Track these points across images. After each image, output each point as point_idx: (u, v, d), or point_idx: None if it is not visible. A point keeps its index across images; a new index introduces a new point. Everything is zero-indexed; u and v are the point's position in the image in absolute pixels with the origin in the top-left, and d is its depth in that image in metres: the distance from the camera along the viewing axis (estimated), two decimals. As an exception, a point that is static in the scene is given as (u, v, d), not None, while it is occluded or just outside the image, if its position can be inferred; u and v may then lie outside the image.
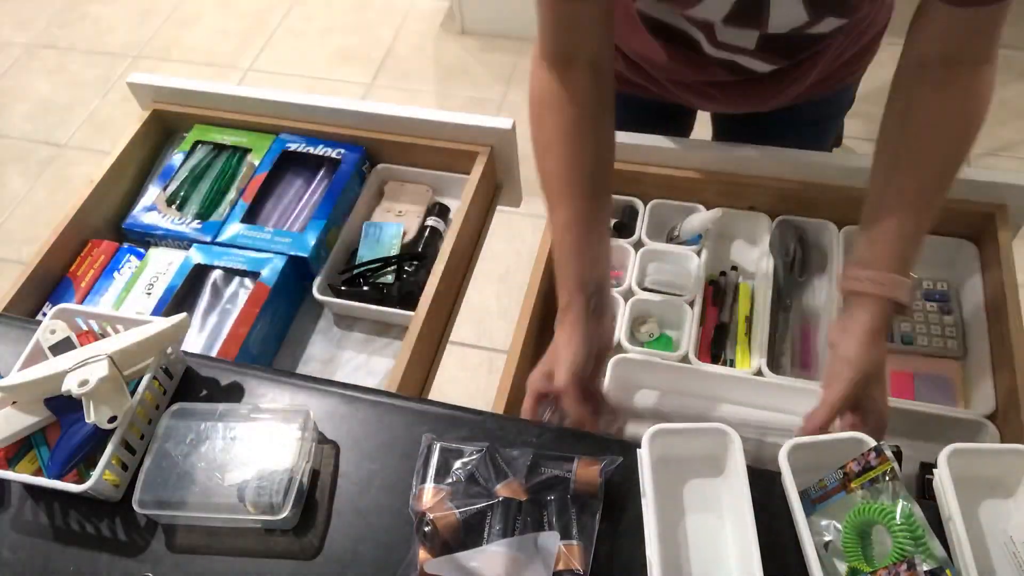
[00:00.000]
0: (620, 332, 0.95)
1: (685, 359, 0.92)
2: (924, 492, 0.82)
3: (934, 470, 0.67)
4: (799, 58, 0.85)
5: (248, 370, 0.79)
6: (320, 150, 1.10)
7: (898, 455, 0.80)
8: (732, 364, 0.95)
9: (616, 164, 1.05)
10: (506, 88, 2.42)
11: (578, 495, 0.66)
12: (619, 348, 0.94)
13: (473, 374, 1.86)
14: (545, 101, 0.74)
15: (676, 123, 1.12)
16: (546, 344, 0.95)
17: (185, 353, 0.79)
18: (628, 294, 0.99)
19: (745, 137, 1.03)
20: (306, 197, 1.10)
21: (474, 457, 0.67)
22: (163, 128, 1.18)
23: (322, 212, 1.03)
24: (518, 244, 1.74)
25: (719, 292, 1.02)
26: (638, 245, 1.03)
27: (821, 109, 1.02)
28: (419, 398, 0.90)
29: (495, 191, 1.15)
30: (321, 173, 1.12)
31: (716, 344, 0.97)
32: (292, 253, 0.99)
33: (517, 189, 1.17)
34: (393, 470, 0.70)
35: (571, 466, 0.66)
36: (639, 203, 1.07)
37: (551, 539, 0.62)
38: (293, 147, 1.11)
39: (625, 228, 1.06)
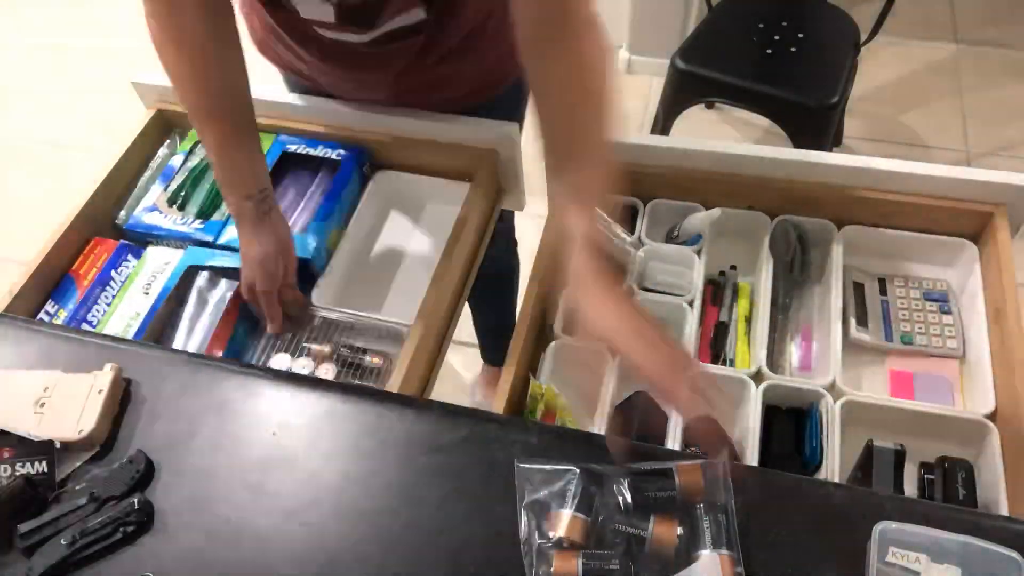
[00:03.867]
0: (620, 332, 0.95)
1: (685, 359, 0.92)
2: (924, 492, 0.83)
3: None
4: (392, 45, 0.89)
5: (248, 369, 0.79)
6: (320, 151, 1.10)
7: (901, 454, 0.81)
8: (732, 364, 0.95)
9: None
10: (506, 88, 2.42)
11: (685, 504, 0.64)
12: (619, 348, 0.94)
13: (473, 374, 1.85)
14: (162, 45, 0.83)
15: None
16: (545, 344, 0.95)
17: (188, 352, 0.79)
18: (628, 294, 0.99)
19: None
20: (306, 198, 1.10)
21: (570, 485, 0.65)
22: (166, 127, 1.18)
23: (322, 214, 1.03)
24: (518, 244, 1.74)
25: (718, 292, 1.02)
26: (638, 245, 1.03)
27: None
28: (419, 398, 0.90)
29: (498, 195, 1.15)
30: (320, 174, 1.11)
31: (716, 344, 0.97)
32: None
33: (520, 193, 1.16)
34: (392, 470, 0.70)
35: (672, 482, 0.64)
36: (639, 203, 1.07)
37: (710, 562, 0.60)
38: (293, 148, 1.11)
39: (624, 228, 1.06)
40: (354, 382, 0.90)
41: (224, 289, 0.98)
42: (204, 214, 1.06)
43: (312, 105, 1.11)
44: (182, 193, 1.08)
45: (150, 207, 1.06)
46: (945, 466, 0.81)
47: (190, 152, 1.13)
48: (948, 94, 2.27)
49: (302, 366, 0.91)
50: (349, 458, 0.71)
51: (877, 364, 0.95)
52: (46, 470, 0.70)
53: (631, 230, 1.04)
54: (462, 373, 1.86)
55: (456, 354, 1.86)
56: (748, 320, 0.99)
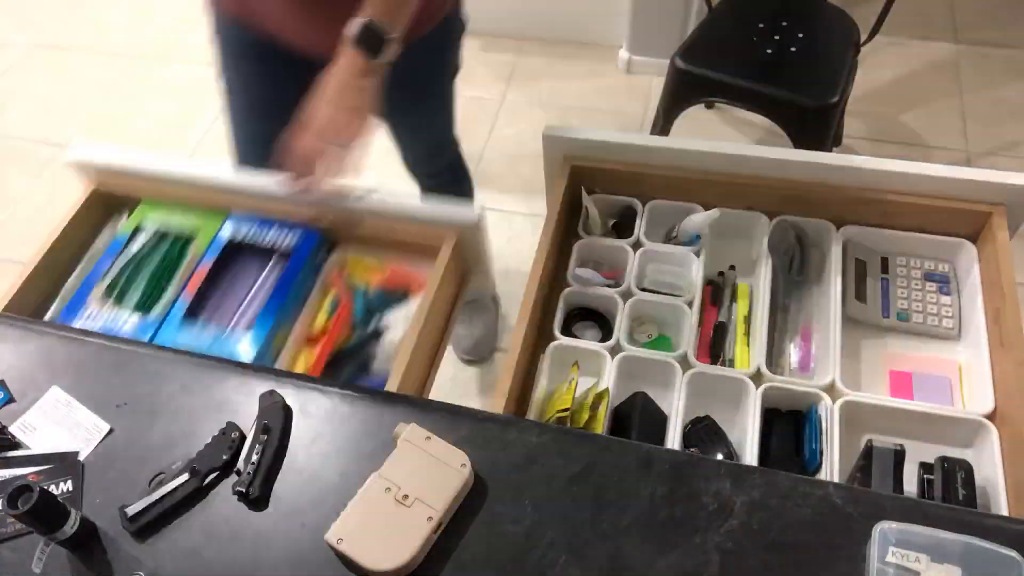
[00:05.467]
0: (619, 332, 0.95)
1: (684, 359, 0.93)
2: (924, 492, 0.82)
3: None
4: None
5: (249, 369, 0.79)
6: (271, 235, 0.99)
7: (901, 454, 0.81)
8: (731, 364, 0.95)
9: (615, 164, 1.06)
10: (506, 88, 2.41)
11: None
12: (618, 348, 0.94)
13: (473, 374, 1.85)
14: None
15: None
16: (545, 344, 0.95)
17: (189, 352, 0.79)
18: (627, 295, 0.99)
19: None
20: (252, 291, 0.98)
21: None
22: (106, 207, 1.08)
23: (268, 311, 0.93)
24: (518, 244, 1.74)
25: (717, 292, 1.02)
26: (637, 246, 1.03)
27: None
28: (419, 398, 0.90)
29: (462, 278, 1.05)
30: (273, 260, 1.00)
31: (715, 344, 0.97)
32: (235, 360, 0.87)
33: (486, 273, 1.06)
34: (392, 470, 0.70)
35: None
36: (638, 204, 1.07)
37: None
38: (241, 236, 0.99)
39: (624, 228, 1.06)
40: (355, 383, 0.90)
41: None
42: (142, 307, 0.96)
43: (265, 184, 0.98)
44: (120, 283, 0.98)
45: (80, 303, 0.96)
46: (944, 466, 0.81)
47: (130, 238, 1.02)
48: (948, 94, 2.26)
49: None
50: (349, 458, 0.71)
51: (877, 363, 0.95)
52: (71, 488, 0.71)
53: (630, 231, 1.04)
54: (462, 373, 1.86)
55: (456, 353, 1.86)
56: (747, 320, 0.99)
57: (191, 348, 0.87)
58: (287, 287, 0.95)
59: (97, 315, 0.95)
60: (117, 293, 0.97)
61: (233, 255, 1.01)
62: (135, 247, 1.02)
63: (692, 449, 0.87)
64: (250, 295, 0.98)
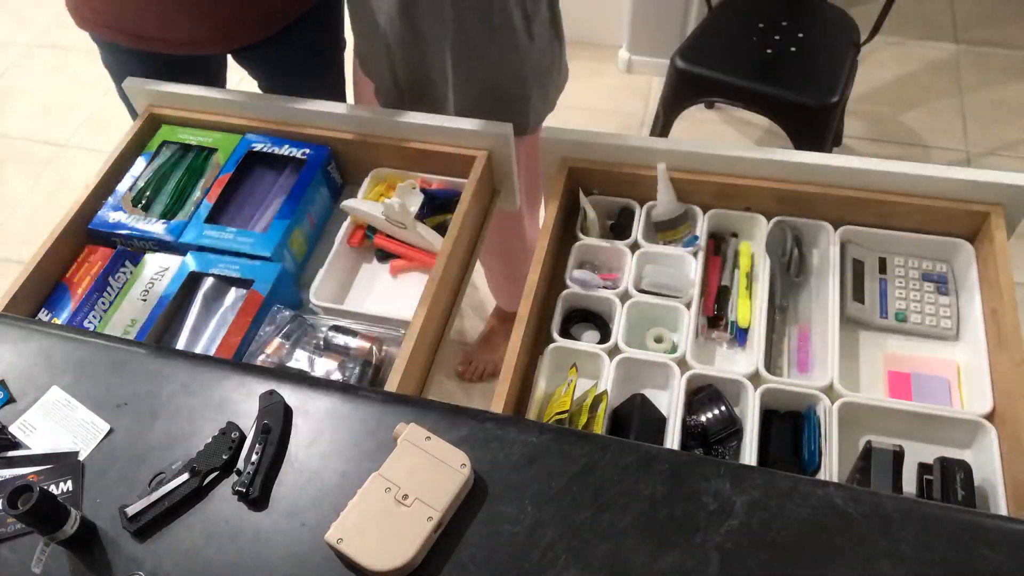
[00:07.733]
0: (618, 334, 0.95)
1: (682, 361, 0.93)
2: (923, 492, 0.83)
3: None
4: None
5: (248, 370, 0.79)
6: (285, 150, 1.09)
7: (900, 455, 0.81)
8: (735, 326, 0.97)
9: (612, 165, 1.06)
10: (506, 88, 2.42)
11: None
12: (617, 350, 0.94)
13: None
14: None
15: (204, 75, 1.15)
16: (543, 346, 0.95)
17: (188, 352, 0.79)
18: (625, 296, 0.99)
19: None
20: (270, 197, 1.09)
21: None
22: (157, 130, 1.17)
23: (284, 212, 1.03)
24: (518, 244, 1.75)
25: (721, 246, 1.04)
26: (634, 247, 1.03)
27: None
28: (419, 398, 0.90)
29: (492, 195, 1.15)
30: (285, 174, 1.11)
31: (719, 306, 0.98)
32: (254, 253, 0.99)
33: (514, 193, 1.16)
34: (392, 470, 0.70)
35: None
36: (635, 205, 1.07)
37: None
38: (258, 147, 1.10)
39: (622, 230, 1.06)
40: (352, 383, 0.90)
41: (234, 297, 0.98)
42: (168, 215, 1.05)
43: (282, 106, 1.11)
44: (147, 193, 1.08)
45: (115, 206, 1.06)
46: (943, 467, 0.81)
47: (155, 153, 1.12)
48: (948, 94, 2.27)
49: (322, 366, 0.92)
50: (349, 458, 0.71)
51: (875, 364, 0.95)
52: (71, 488, 0.71)
53: (628, 232, 1.04)
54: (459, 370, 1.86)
55: (456, 354, 1.86)
56: (749, 276, 1.01)
57: (215, 244, 1.00)
58: (300, 193, 1.05)
59: (127, 219, 1.04)
60: (144, 203, 1.07)
61: (250, 167, 1.12)
62: (159, 160, 1.11)
63: (694, 416, 0.87)
64: (267, 201, 1.09)
